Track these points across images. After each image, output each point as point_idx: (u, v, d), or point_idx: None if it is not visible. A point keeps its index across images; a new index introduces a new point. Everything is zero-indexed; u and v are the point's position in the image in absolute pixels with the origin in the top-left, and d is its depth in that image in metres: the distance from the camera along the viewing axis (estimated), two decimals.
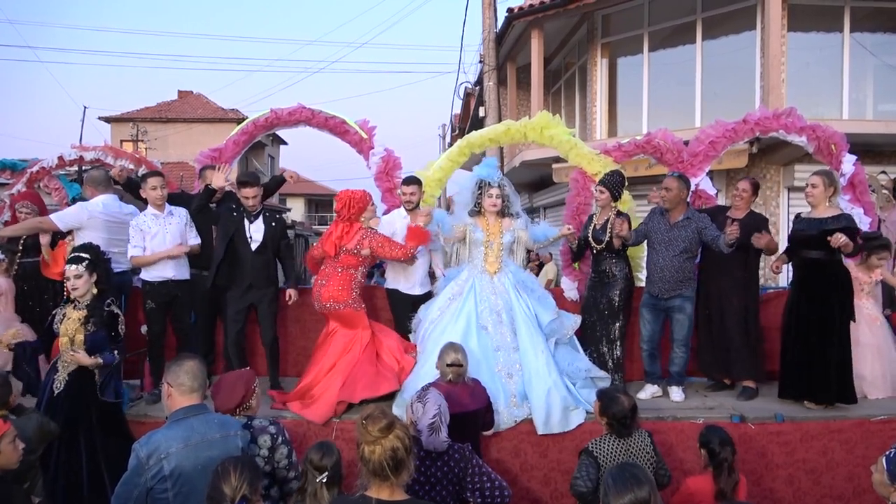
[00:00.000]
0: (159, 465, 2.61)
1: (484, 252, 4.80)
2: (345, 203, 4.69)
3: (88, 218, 4.97)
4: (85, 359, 3.82)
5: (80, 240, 4.95)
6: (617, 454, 3.24)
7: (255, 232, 4.94)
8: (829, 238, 4.36)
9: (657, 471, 3.33)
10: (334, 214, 4.86)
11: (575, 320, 4.86)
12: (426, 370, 4.29)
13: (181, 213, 5.03)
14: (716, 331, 5.02)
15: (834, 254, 4.51)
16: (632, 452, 3.27)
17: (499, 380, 4.38)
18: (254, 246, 4.91)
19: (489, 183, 4.89)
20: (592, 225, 5.04)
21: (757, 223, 4.91)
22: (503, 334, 4.54)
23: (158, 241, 4.87)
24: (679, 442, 4.24)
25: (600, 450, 3.26)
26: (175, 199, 5.23)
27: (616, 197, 4.99)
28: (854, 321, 4.63)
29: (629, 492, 2.29)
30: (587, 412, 4.33)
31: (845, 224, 4.50)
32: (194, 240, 5.09)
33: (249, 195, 4.90)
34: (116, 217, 5.10)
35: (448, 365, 3.74)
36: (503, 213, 4.90)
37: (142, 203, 5.17)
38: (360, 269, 4.80)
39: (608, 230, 4.89)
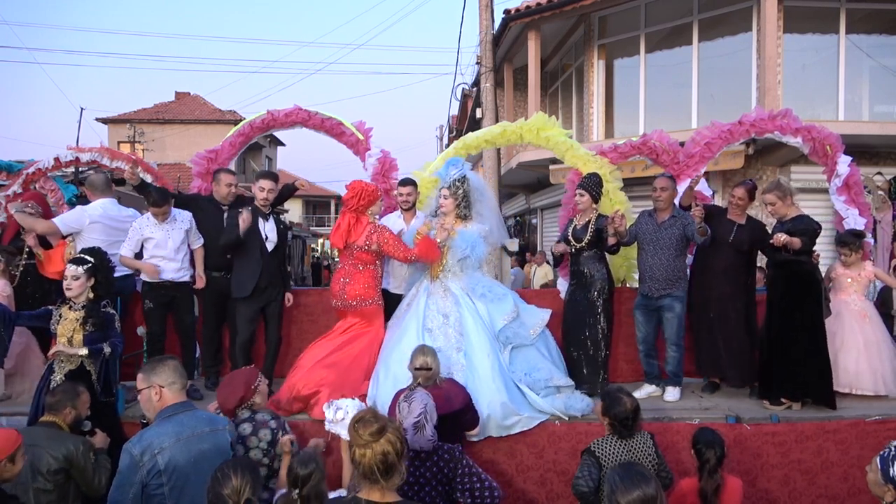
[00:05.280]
0: (153, 460, 2.64)
1: None
2: (356, 193, 4.58)
3: (90, 223, 5.01)
4: (69, 349, 3.88)
5: (80, 243, 4.97)
6: (619, 455, 3.23)
7: (270, 231, 4.94)
8: (771, 241, 4.52)
9: (659, 472, 3.33)
10: (332, 215, 4.85)
11: (542, 316, 4.71)
12: (381, 376, 4.28)
13: (184, 218, 5.04)
14: (719, 334, 4.91)
15: (798, 255, 4.58)
16: (634, 453, 3.27)
17: None
18: (270, 246, 4.92)
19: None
20: (573, 225, 5.06)
21: (757, 231, 4.92)
22: (448, 335, 4.41)
23: (161, 247, 4.89)
24: (675, 442, 4.24)
25: (602, 450, 3.26)
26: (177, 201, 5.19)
27: (596, 198, 5.00)
28: (825, 319, 4.67)
29: (637, 488, 2.31)
30: (542, 418, 4.24)
31: (802, 224, 4.59)
32: (197, 242, 5.10)
33: (266, 187, 4.91)
34: (116, 220, 5.11)
35: (416, 369, 3.65)
36: (462, 214, 4.75)
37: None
38: (377, 263, 4.74)
39: (589, 230, 4.90)
